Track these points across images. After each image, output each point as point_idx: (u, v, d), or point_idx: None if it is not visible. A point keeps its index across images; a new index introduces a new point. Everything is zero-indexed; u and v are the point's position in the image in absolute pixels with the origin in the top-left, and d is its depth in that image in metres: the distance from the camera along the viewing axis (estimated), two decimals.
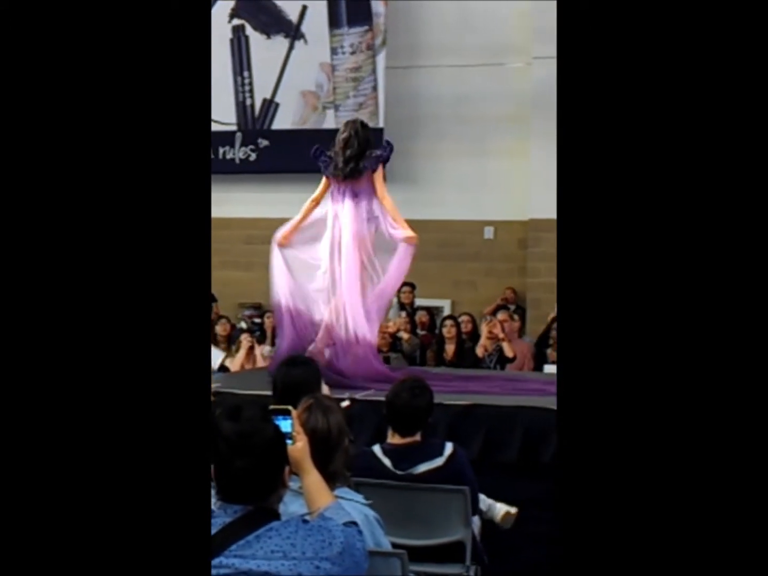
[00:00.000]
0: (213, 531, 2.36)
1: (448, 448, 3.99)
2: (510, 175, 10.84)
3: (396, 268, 6.28)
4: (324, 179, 6.35)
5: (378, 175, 6.22)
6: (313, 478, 2.81)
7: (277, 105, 11.78)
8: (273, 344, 8.00)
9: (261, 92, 11.82)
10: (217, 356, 8.11)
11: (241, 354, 7.98)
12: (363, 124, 6.40)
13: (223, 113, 11.32)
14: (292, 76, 11.67)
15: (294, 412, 2.85)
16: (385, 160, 6.30)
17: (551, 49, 11.38)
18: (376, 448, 4.03)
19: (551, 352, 7.90)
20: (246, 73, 11.84)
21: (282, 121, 11.74)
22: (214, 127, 10.02)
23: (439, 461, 3.94)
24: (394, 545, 3.35)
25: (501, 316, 8.47)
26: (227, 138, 11.74)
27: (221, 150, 11.69)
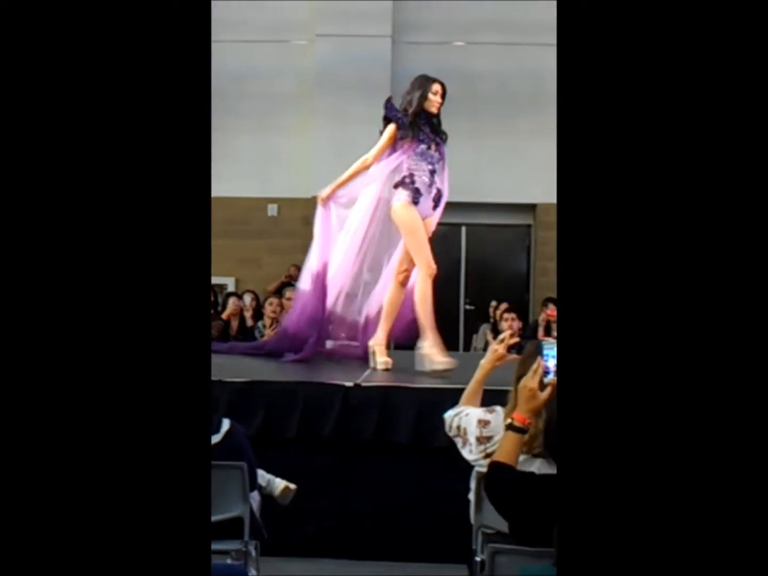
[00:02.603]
0: None
1: (225, 424, 3.97)
2: (293, 152, 10.87)
3: None
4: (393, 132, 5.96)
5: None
6: None
7: None
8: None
9: None
10: None
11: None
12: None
13: None
14: None
15: None
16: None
17: (333, 27, 11.44)
18: None
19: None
20: None
21: None
22: None
23: (216, 438, 3.91)
24: None
25: (287, 293, 8.47)
26: None
27: None
